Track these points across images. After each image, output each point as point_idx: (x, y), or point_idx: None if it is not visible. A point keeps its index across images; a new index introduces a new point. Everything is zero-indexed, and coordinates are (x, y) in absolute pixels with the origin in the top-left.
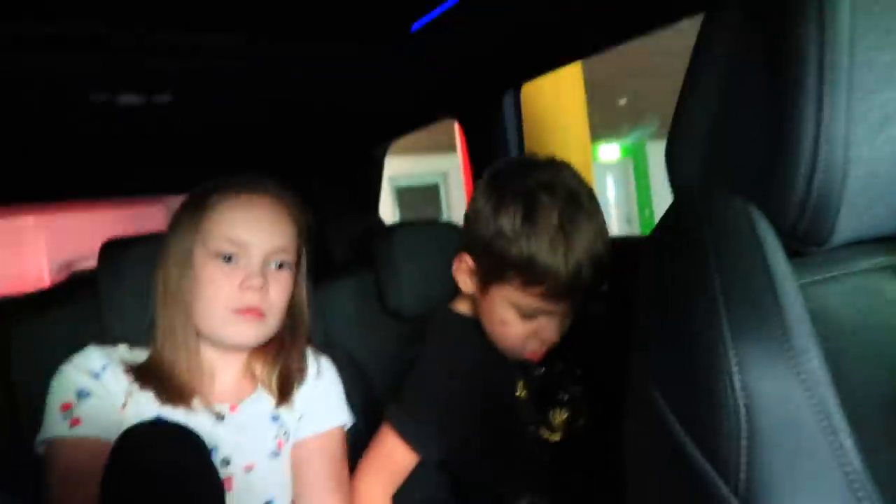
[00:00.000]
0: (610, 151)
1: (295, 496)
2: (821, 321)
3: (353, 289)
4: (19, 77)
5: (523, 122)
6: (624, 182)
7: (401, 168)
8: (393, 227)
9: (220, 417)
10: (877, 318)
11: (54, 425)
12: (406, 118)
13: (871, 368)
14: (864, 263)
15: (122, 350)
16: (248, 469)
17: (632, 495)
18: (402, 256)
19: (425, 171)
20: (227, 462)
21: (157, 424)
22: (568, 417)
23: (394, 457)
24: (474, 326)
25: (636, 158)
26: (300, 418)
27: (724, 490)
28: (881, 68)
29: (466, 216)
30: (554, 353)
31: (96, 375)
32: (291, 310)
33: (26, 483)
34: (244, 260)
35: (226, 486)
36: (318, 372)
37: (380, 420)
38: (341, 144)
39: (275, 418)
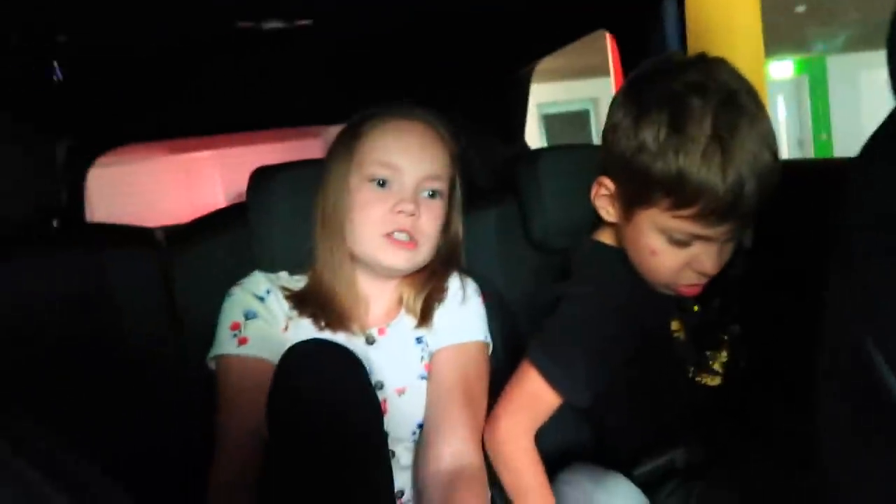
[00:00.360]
0: (781, 68)
1: (427, 406)
2: None
3: (496, 218)
4: (175, 10)
5: (686, 35)
6: (797, 102)
7: (549, 94)
8: (538, 152)
9: (370, 341)
10: None
11: (224, 343)
12: (553, 33)
13: None
14: None
15: (284, 276)
16: (401, 392)
17: (827, 454)
18: (548, 183)
19: (575, 96)
20: (380, 386)
21: (320, 344)
22: (728, 360)
23: (539, 397)
24: (622, 259)
25: (813, 76)
26: (436, 333)
27: None
28: None
29: (604, 133)
30: (711, 288)
31: (261, 299)
32: (446, 240)
33: (192, 399)
34: (397, 185)
35: (384, 410)
36: (465, 297)
37: (521, 354)
38: (484, 67)
39: (418, 339)
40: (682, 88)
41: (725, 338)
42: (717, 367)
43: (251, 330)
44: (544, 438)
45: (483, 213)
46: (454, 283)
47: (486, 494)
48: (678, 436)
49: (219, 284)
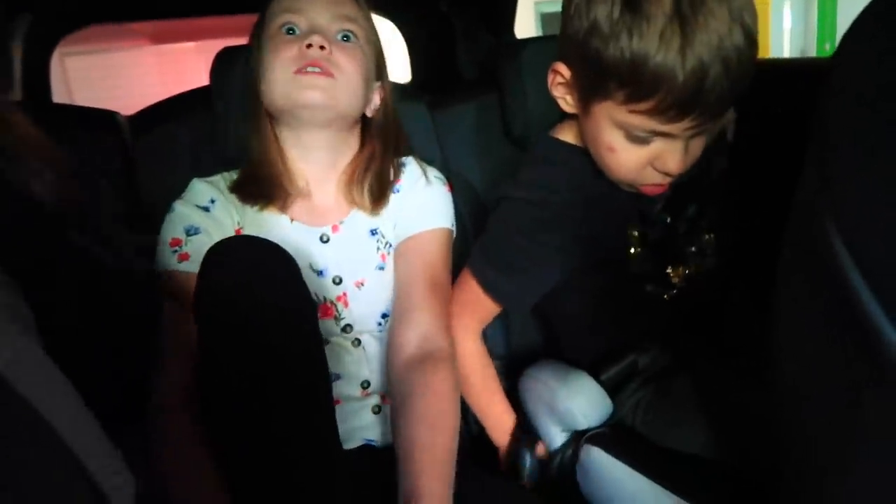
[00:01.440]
0: None
1: (395, 296)
2: None
3: (476, 112)
4: None
5: None
6: (804, 10)
7: None
8: (522, 42)
9: (325, 240)
10: None
11: (164, 258)
12: None
13: None
14: None
15: (229, 175)
16: (359, 285)
17: (782, 340)
18: (530, 76)
19: None
20: (339, 280)
21: (243, 239)
22: (692, 272)
23: (478, 301)
24: (581, 157)
25: None
26: (395, 225)
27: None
28: None
29: (562, 9)
30: (686, 195)
31: (206, 209)
32: (378, 118)
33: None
34: (305, 28)
35: (341, 302)
36: (427, 182)
37: None
38: None
39: (373, 231)
40: None
41: (693, 250)
42: (675, 279)
43: (193, 245)
44: (510, 339)
45: (462, 106)
46: (412, 168)
47: (455, 376)
48: (640, 343)
49: (183, 169)
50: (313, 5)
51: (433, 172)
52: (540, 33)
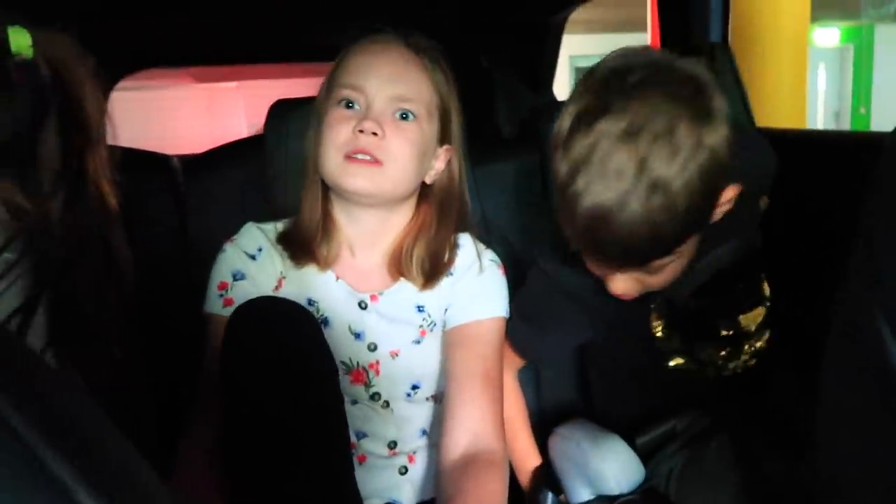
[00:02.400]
0: (827, 35)
1: (446, 384)
2: None
3: (516, 172)
4: None
5: None
6: (840, 72)
7: (582, 46)
8: (562, 104)
9: (363, 306)
10: None
11: (212, 301)
12: None
13: None
14: None
15: (280, 225)
16: (394, 355)
17: (822, 428)
18: None
19: (608, 50)
20: (373, 347)
21: (270, 300)
22: (724, 353)
23: (508, 350)
24: None
25: (859, 45)
26: (448, 309)
27: None
28: None
29: None
30: (707, 284)
31: (253, 257)
32: (441, 184)
33: (199, 328)
34: (363, 106)
35: (373, 370)
36: (482, 267)
37: None
38: (517, 9)
39: (420, 308)
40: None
41: (728, 332)
42: (708, 359)
43: (237, 291)
44: (541, 394)
45: (504, 164)
46: (467, 251)
47: (504, 481)
48: (679, 410)
49: (232, 216)
50: (374, 85)
51: (488, 255)
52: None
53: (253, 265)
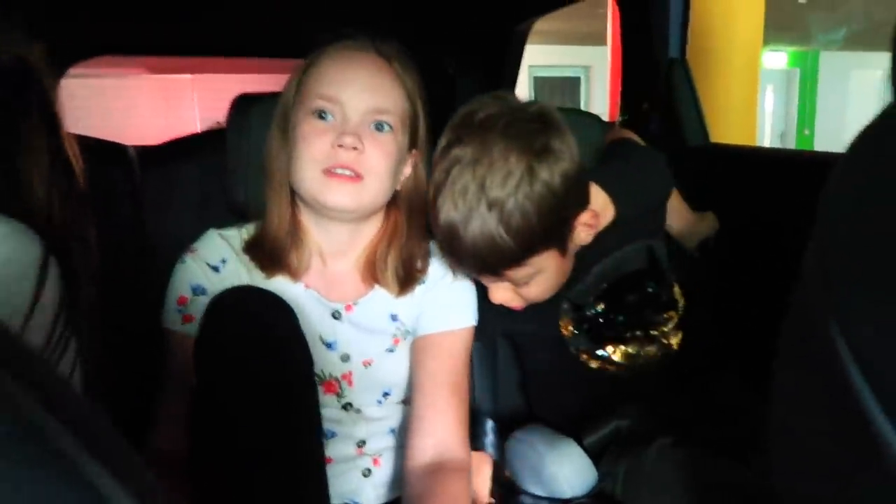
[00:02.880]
0: (775, 59)
1: (413, 389)
2: None
3: None
4: None
5: (689, 10)
6: (785, 95)
7: (542, 57)
8: None
9: (336, 316)
10: None
11: (169, 317)
12: None
13: None
14: None
15: (245, 231)
16: (367, 364)
17: (774, 426)
18: None
19: (568, 62)
20: (346, 358)
21: (246, 290)
22: (633, 352)
23: None
24: None
25: (805, 70)
26: (419, 316)
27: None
28: None
29: None
30: (627, 283)
31: (216, 269)
32: (409, 189)
33: (155, 321)
34: (339, 118)
35: (345, 380)
36: (454, 276)
37: None
38: (482, 17)
39: (393, 317)
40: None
41: (635, 333)
42: (618, 358)
43: (197, 306)
44: (502, 400)
45: None
46: (439, 259)
47: (468, 490)
48: (623, 407)
49: (189, 209)
50: (350, 96)
51: None
52: (533, 97)
53: (216, 277)
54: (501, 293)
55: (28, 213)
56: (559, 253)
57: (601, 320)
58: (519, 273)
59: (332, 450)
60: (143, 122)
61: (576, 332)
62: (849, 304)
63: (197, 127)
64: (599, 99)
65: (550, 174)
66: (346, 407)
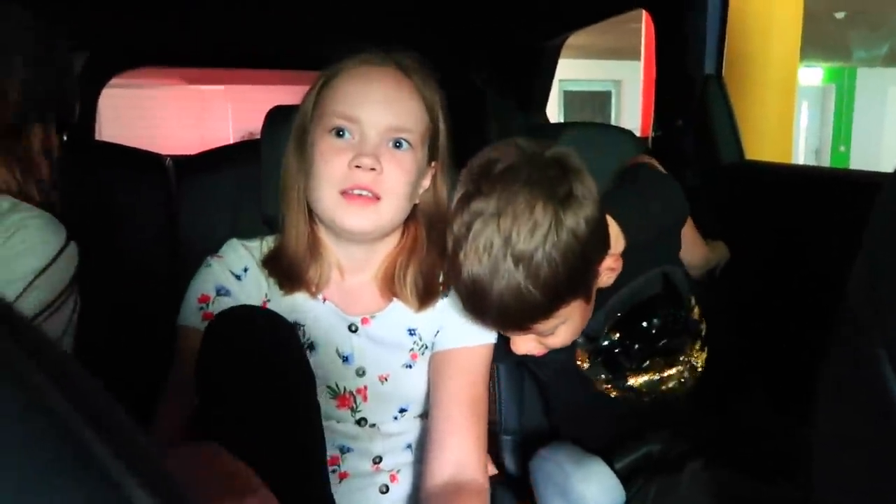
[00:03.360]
0: (811, 75)
1: (431, 406)
2: None
3: None
4: None
5: (726, 27)
6: (820, 111)
7: (572, 71)
8: (559, 126)
9: (353, 329)
10: None
11: (189, 314)
12: (589, 6)
13: None
14: None
15: (265, 244)
16: (383, 380)
17: (818, 455)
18: None
19: (599, 76)
20: (362, 372)
21: (249, 309)
22: (653, 381)
23: None
24: None
25: (841, 86)
26: (439, 331)
27: None
28: None
29: None
30: (641, 313)
31: (238, 277)
32: (428, 202)
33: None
34: (357, 136)
35: (361, 395)
36: None
37: None
38: (514, 33)
39: (411, 331)
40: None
41: (651, 362)
42: (638, 386)
43: (219, 306)
44: (528, 416)
45: None
46: None
47: None
48: (655, 431)
49: (223, 219)
50: (369, 114)
51: None
52: (562, 111)
53: (237, 285)
54: (525, 345)
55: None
56: (584, 301)
57: (617, 350)
58: (545, 325)
59: (349, 465)
60: (176, 132)
61: (592, 363)
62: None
63: (230, 137)
64: (629, 113)
65: (576, 221)
66: (361, 422)
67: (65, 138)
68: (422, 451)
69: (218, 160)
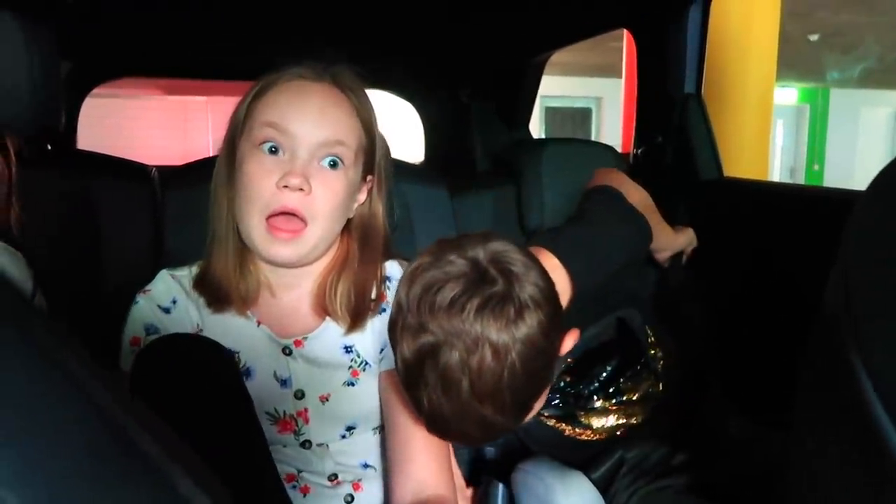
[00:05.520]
0: (785, 94)
1: (388, 430)
2: None
3: (494, 202)
4: None
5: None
6: (795, 130)
7: (554, 87)
8: (543, 142)
9: (287, 352)
10: None
11: (125, 358)
12: (572, 26)
13: None
14: None
15: (195, 269)
16: (324, 399)
17: (794, 454)
18: (548, 174)
19: (580, 93)
20: (301, 395)
21: (178, 337)
22: (603, 421)
23: None
24: None
25: (815, 105)
26: (384, 349)
27: None
28: None
29: None
30: (594, 358)
31: (167, 310)
32: (363, 220)
33: None
34: (288, 153)
35: (302, 418)
36: None
37: None
38: (498, 51)
39: (348, 349)
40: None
41: (610, 403)
42: (592, 424)
43: None
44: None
45: (481, 194)
46: (396, 279)
47: None
48: (629, 439)
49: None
50: (301, 128)
51: None
52: (543, 126)
53: (167, 319)
54: None
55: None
56: (547, 388)
57: (570, 391)
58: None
59: (307, 481)
60: (157, 142)
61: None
62: (871, 336)
63: (209, 147)
64: (609, 129)
65: (530, 330)
66: (306, 444)
67: (49, 147)
68: (381, 464)
69: (204, 171)
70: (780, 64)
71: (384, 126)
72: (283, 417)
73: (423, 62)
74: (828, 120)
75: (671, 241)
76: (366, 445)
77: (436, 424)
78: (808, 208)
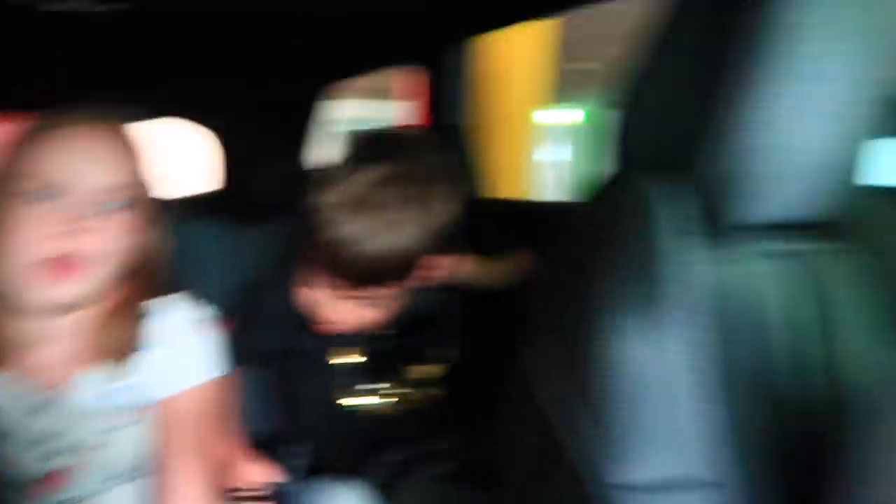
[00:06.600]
0: (573, 115)
1: (157, 459)
2: (720, 298)
3: (272, 233)
4: None
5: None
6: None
7: (348, 111)
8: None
9: (46, 405)
10: (756, 299)
11: None
12: (352, 63)
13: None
14: (767, 247)
15: None
16: (89, 451)
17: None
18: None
19: (381, 115)
20: (53, 454)
21: None
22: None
23: None
24: None
25: (597, 125)
26: (144, 385)
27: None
28: (813, 60)
29: None
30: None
31: None
32: (136, 259)
33: None
34: (60, 203)
35: (62, 476)
36: (187, 331)
37: None
38: (282, 79)
39: (113, 393)
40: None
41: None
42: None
43: None
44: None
45: (265, 229)
46: (170, 315)
47: None
48: (388, 444)
49: None
50: (72, 177)
51: (194, 315)
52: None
53: None
54: (343, 311)
55: None
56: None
57: (382, 356)
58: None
59: None
60: None
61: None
62: (532, 338)
63: None
64: None
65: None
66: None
67: None
68: None
69: None
70: (565, 90)
71: (172, 158)
72: (34, 481)
73: (206, 93)
74: (604, 139)
75: (473, 272)
76: (133, 494)
77: (352, 250)
78: (542, 220)
